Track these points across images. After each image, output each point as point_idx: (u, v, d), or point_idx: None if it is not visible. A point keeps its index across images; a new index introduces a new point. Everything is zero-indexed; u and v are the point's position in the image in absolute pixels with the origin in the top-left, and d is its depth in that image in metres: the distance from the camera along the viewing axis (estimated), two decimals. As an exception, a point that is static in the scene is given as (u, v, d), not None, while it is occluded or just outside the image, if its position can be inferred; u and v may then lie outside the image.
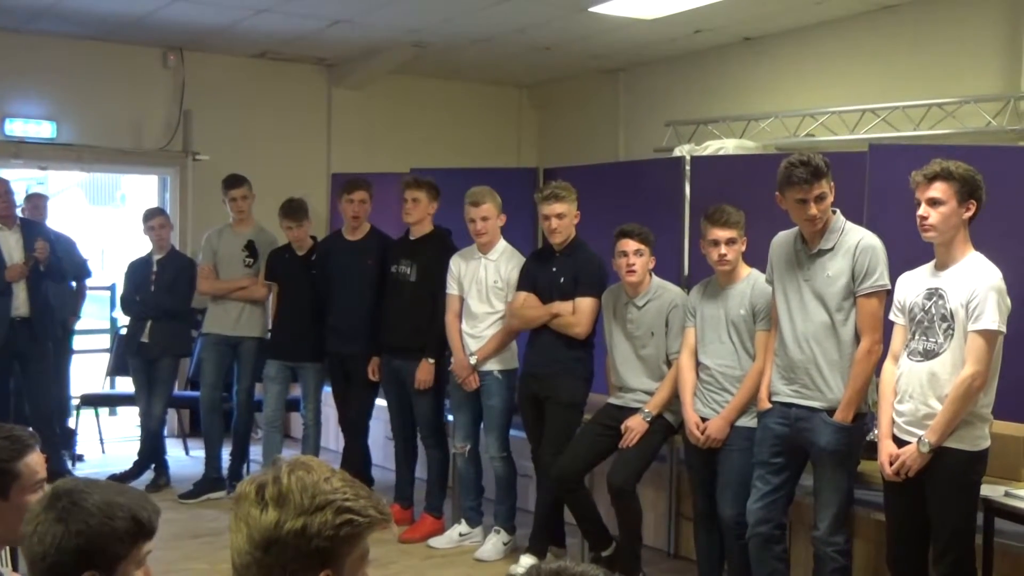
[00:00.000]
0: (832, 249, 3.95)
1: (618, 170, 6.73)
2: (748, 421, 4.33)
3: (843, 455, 3.95)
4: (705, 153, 6.60)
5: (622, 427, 4.78)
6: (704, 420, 4.44)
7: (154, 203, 8.11)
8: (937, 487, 3.61)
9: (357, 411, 6.11)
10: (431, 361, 5.60)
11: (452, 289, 5.49)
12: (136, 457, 6.69)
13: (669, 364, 4.77)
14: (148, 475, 6.63)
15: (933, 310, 3.64)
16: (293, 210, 6.17)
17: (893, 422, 3.74)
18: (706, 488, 4.50)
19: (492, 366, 5.37)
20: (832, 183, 3.94)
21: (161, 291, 6.56)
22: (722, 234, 4.35)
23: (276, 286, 6.31)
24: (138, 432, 6.93)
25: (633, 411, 4.80)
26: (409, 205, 5.64)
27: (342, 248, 6.07)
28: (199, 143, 8.16)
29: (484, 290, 5.39)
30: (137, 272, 6.66)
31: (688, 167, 5.88)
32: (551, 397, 5.06)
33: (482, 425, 5.50)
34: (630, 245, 4.74)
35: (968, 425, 3.58)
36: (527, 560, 5.02)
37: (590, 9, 6.72)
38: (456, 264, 5.50)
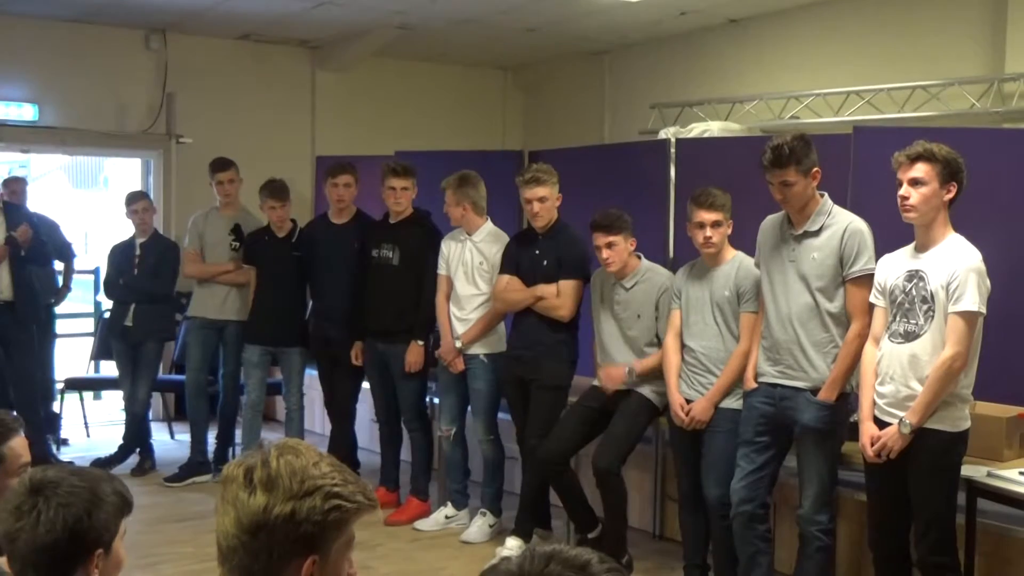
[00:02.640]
0: (818, 231, 3.98)
1: (603, 153, 6.72)
2: (733, 403, 4.35)
3: (826, 433, 3.98)
4: (690, 135, 6.60)
5: (601, 373, 4.77)
6: (689, 402, 4.46)
7: (137, 186, 8.05)
8: (918, 468, 3.64)
9: (344, 395, 6.11)
10: (420, 343, 5.60)
11: (442, 269, 5.50)
12: (121, 441, 6.67)
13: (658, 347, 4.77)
14: (133, 459, 6.61)
15: (914, 292, 3.66)
16: (277, 190, 6.14)
17: (874, 404, 3.76)
18: (691, 469, 4.51)
19: (478, 349, 5.37)
20: (815, 168, 3.95)
21: (144, 275, 6.52)
22: (708, 216, 4.36)
23: (254, 270, 6.26)
24: (123, 416, 6.91)
25: (619, 392, 4.80)
26: (399, 194, 5.62)
27: (328, 232, 6.04)
28: (182, 126, 8.11)
29: (470, 271, 5.39)
30: (120, 256, 6.62)
31: (673, 149, 5.87)
32: (536, 380, 5.07)
33: (469, 408, 5.51)
34: (600, 239, 4.70)
35: (949, 406, 3.60)
36: (513, 542, 5.04)
37: (575, -10, 6.70)
38: (446, 245, 5.52)
